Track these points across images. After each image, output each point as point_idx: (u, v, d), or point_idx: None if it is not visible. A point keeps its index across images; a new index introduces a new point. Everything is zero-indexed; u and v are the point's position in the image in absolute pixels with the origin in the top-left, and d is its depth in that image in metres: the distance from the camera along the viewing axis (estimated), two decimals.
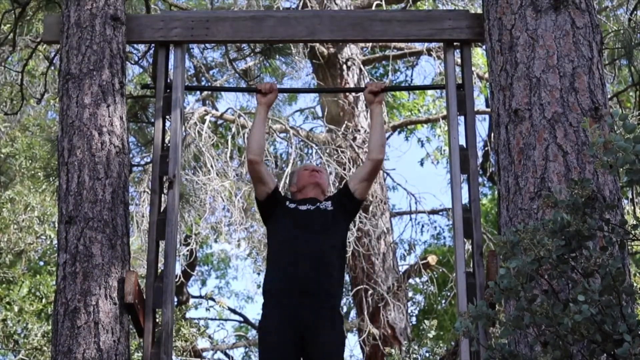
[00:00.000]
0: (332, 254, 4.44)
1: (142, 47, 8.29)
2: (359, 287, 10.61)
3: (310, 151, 12.00)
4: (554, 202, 3.32)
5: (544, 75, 4.21)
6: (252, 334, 18.90)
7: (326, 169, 4.96)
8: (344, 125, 11.04)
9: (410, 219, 11.97)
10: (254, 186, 4.73)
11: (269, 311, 4.38)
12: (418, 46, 11.66)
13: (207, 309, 19.20)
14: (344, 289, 4.63)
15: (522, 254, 3.19)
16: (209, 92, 12.79)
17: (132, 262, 8.24)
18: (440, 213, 12.35)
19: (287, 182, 4.97)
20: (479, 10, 4.95)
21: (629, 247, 4.25)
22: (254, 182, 4.70)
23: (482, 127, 14.18)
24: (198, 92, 13.08)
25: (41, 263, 13.84)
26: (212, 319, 19.54)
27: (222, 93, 13.77)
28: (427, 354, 8.71)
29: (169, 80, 4.97)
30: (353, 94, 11.28)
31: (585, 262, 3.11)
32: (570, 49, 4.25)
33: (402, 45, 11.78)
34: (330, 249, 4.45)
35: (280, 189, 4.75)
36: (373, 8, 10.79)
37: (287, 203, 4.59)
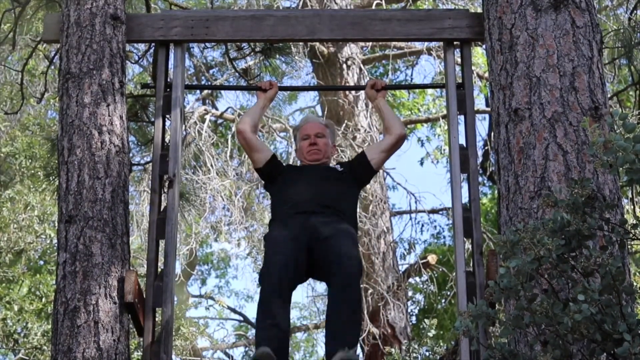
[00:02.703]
0: (340, 197, 4.40)
1: (142, 47, 8.29)
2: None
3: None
4: (554, 202, 3.32)
5: (544, 74, 4.21)
6: (252, 333, 18.90)
7: (330, 123, 4.86)
8: (344, 125, 11.04)
9: (410, 218, 11.97)
10: (249, 157, 4.72)
11: (274, 226, 4.37)
12: (418, 45, 11.66)
13: (207, 308, 19.21)
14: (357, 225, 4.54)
15: (522, 253, 3.19)
16: (209, 92, 12.79)
17: (132, 261, 8.25)
18: (440, 212, 12.35)
19: (292, 135, 4.95)
20: (479, 10, 4.95)
21: (629, 247, 4.25)
22: (248, 153, 4.70)
23: (482, 126, 14.18)
24: (198, 91, 13.09)
25: (41, 262, 13.85)
26: (212, 318, 19.55)
27: (222, 92, 13.78)
28: (427, 353, 8.71)
29: (169, 80, 4.97)
30: (353, 92, 11.28)
31: (585, 262, 3.11)
32: (570, 48, 4.25)
33: (402, 44, 11.78)
34: (339, 194, 4.41)
35: (278, 158, 4.73)
36: (373, 7, 10.79)
37: (293, 166, 4.58)
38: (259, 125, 4.68)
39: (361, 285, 4.25)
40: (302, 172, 4.54)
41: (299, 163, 4.82)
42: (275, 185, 4.60)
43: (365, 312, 10.34)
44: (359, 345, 4.22)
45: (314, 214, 4.30)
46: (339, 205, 4.40)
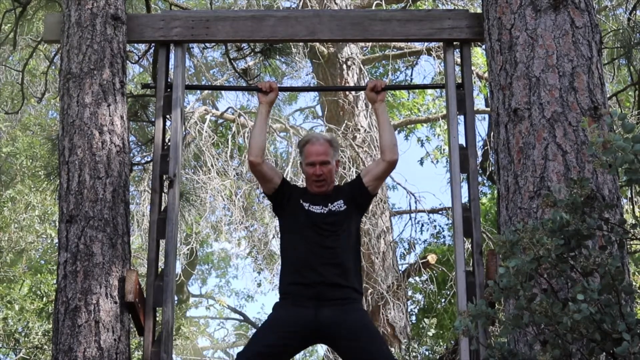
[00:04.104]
0: (348, 255, 4.42)
1: (142, 47, 8.30)
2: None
3: None
4: (553, 202, 3.33)
5: (544, 74, 4.22)
6: (252, 332, 18.91)
7: (334, 139, 4.86)
8: (344, 125, 11.05)
9: (410, 218, 11.96)
10: (259, 183, 4.71)
11: (285, 304, 4.35)
12: (418, 46, 11.67)
13: (207, 308, 19.23)
14: (362, 281, 4.58)
15: (521, 253, 3.20)
16: (209, 92, 12.81)
17: (133, 261, 8.26)
18: (440, 212, 12.35)
19: (297, 149, 4.91)
20: (479, 10, 4.96)
21: (628, 246, 4.26)
22: (258, 181, 4.68)
23: (481, 126, 14.19)
24: (198, 91, 13.11)
25: (42, 262, 13.87)
26: (212, 318, 19.57)
27: (222, 92, 13.79)
28: (427, 353, 8.73)
29: (169, 80, 4.98)
30: (353, 92, 11.29)
31: (585, 261, 3.12)
32: (569, 49, 4.26)
33: (402, 44, 11.79)
34: (346, 250, 4.42)
35: (287, 179, 4.68)
36: (373, 8, 10.80)
37: (301, 201, 4.55)
38: (266, 138, 4.66)
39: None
40: (309, 215, 4.52)
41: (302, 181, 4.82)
42: (282, 219, 4.59)
43: None
44: None
45: (323, 300, 4.28)
46: (345, 267, 4.38)
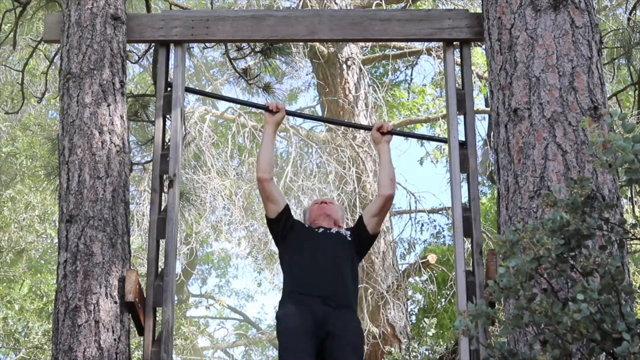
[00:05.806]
0: (346, 266, 4.51)
1: (142, 46, 8.30)
2: (358, 286, 10.57)
3: (310, 150, 12.01)
4: (553, 201, 3.33)
5: (544, 74, 4.22)
6: (252, 332, 18.91)
7: (338, 205, 5.05)
8: None
9: (410, 218, 11.96)
10: (264, 204, 4.77)
11: (289, 305, 4.40)
12: (418, 45, 11.66)
13: (207, 308, 19.23)
14: (357, 302, 4.70)
15: (521, 252, 3.19)
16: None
17: (133, 261, 8.26)
18: (440, 212, 12.34)
19: (302, 217, 5.06)
20: (479, 10, 4.96)
21: (628, 246, 4.26)
22: (264, 201, 4.74)
23: (481, 126, 14.16)
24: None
25: (42, 262, 13.87)
26: (212, 318, 19.57)
27: (222, 92, 13.76)
28: (427, 353, 8.73)
29: (169, 80, 4.98)
30: (353, 92, 11.28)
31: (585, 261, 3.12)
32: (569, 49, 4.26)
33: (402, 44, 11.78)
34: (345, 262, 4.52)
35: (290, 207, 4.78)
36: (373, 7, 10.80)
37: (305, 226, 4.72)
38: (274, 156, 4.78)
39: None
40: (313, 233, 4.62)
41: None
42: (284, 248, 4.65)
43: (366, 311, 10.35)
44: None
45: (326, 300, 4.38)
46: (346, 287, 4.49)
